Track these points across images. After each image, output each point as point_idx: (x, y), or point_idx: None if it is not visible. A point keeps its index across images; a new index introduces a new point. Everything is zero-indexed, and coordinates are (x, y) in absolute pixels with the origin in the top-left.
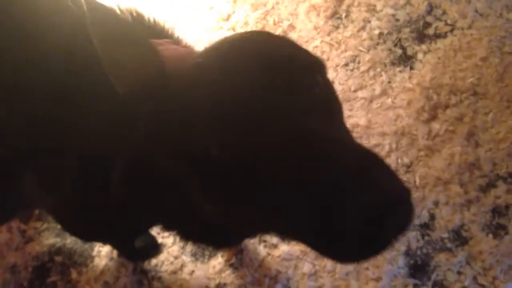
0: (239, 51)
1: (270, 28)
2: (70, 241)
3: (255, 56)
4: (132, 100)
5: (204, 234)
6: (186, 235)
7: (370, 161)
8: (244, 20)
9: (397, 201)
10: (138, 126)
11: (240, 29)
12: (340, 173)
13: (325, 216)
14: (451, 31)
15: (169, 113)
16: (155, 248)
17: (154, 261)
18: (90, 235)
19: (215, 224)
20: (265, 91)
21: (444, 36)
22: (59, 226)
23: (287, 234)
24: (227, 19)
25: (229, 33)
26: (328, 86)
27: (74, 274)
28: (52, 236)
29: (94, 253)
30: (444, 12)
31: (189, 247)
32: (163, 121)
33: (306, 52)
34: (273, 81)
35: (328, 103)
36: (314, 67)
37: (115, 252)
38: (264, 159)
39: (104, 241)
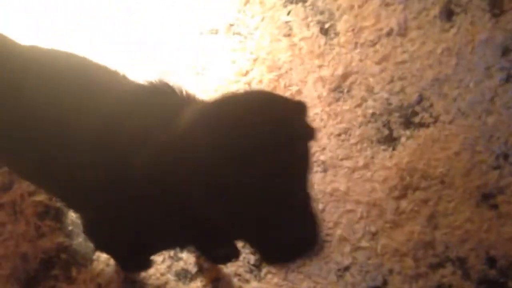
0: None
1: (280, 90)
2: (76, 242)
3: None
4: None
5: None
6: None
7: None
8: (260, 78)
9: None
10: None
11: (255, 86)
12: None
13: None
14: (434, 123)
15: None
16: (146, 264)
17: (143, 274)
18: (106, 246)
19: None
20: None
21: (427, 126)
22: (69, 228)
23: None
24: (245, 74)
25: (245, 87)
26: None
27: (74, 272)
28: (61, 236)
29: (94, 257)
30: (431, 105)
31: (175, 267)
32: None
33: (299, 117)
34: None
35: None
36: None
37: (111, 260)
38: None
39: (113, 253)
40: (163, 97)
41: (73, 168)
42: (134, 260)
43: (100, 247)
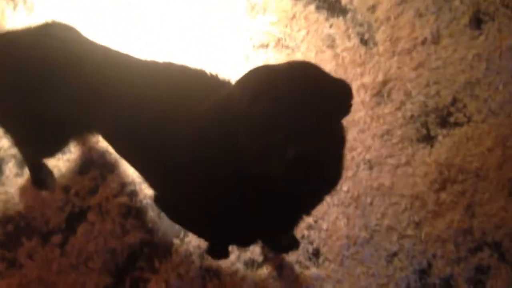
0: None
1: None
2: (156, 237)
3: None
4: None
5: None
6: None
7: None
8: None
9: None
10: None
11: None
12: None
13: None
14: (468, 122)
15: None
16: (225, 254)
17: (217, 263)
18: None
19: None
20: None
21: (461, 125)
22: (149, 225)
23: None
24: None
25: None
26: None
27: (157, 263)
28: (143, 232)
29: (173, 250)
30: (465, 106)
31: (243, 257)
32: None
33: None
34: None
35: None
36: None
37: (189, 251)
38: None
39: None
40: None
41: (169, 154)
42: (221, 248)
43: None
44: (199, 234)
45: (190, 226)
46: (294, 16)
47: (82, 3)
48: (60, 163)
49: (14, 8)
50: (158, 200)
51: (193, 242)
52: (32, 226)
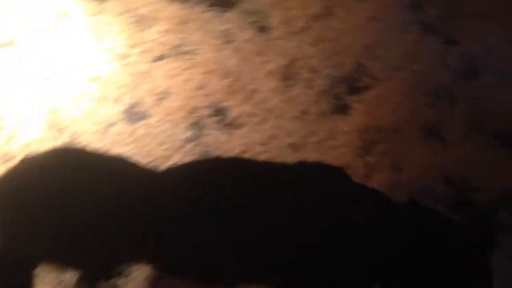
0: None
1: (239, 90)
2: None
3: None
4: None
5: None
6: None
7: None
8: (217, 88)
9: None
10: None
11: (216, 96)
12: None
13: None
14: (374, 84)
15: None
16: None
17: None
18: None
19: None
20: None
21: (369, 88)
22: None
23: None
24: (204, 87)
25: (208, 99)
26: None
27: None
28: None
29: None
30: (368, 69)
31: None
32: None
33: None
34: None
35: None
36: None
37: None
38: None
39: None
40: None
41: None
42: None
43: None
44: None
45: None
46: (184, 21)
47: None
48: None
49: None
50: None
51: None
52: None
